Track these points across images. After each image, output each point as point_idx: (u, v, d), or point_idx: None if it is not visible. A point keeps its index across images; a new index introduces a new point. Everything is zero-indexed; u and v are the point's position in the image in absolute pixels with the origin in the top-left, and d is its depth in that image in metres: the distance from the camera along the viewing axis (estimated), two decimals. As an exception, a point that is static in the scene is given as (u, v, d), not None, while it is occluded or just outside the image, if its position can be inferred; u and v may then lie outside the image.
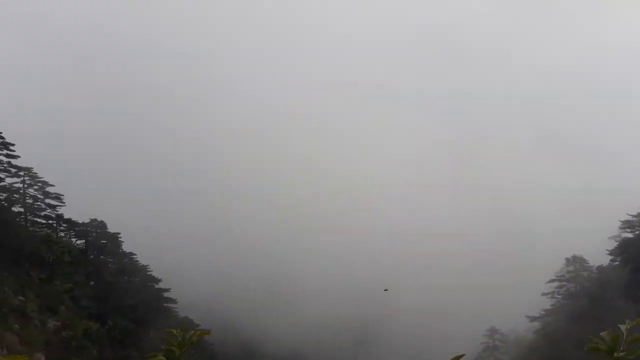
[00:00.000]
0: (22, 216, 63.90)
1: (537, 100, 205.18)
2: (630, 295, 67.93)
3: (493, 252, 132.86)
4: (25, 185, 63.30)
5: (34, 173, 63.60)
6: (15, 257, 56.34)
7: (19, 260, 56.86)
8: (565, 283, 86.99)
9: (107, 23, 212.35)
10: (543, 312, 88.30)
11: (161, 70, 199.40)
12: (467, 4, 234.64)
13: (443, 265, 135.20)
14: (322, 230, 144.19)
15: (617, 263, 78.87)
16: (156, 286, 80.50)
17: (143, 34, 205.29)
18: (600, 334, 3.54)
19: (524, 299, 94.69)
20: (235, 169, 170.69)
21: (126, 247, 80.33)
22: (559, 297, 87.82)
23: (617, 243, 79.79)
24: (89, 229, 77.51)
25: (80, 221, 76.16)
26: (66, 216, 71.63)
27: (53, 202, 67.37)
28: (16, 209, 63.04)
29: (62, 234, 73.82)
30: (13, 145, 59.70)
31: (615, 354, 3.44)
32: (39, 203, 65.86)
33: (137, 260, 79.67)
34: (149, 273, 79.27)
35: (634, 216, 76.51)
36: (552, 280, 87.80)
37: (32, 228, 65.02)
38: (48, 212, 67.69)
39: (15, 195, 62.40)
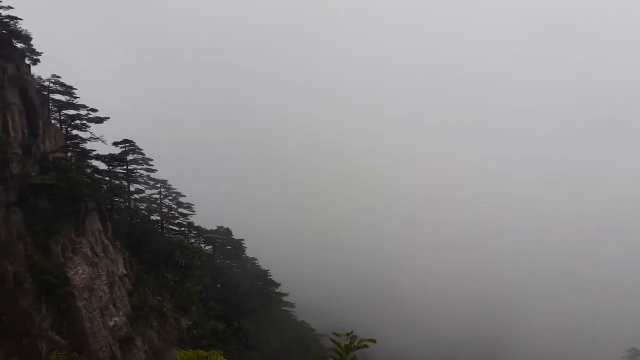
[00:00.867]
0: (159, 224, 70.59)
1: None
2: None
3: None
4: (162, 196, 70.02)
5: (169, 185, 70.16)
6: (153, 260, 62.61)
7: (156, 264, 63.00)
8: None
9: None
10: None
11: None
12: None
13: (569, 283, 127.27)
14: (443, 243, 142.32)
15: None
16: (276, 290, 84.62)
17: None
18: None
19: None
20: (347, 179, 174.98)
21: (249, 253, 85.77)
22: None
23: None
24: (216, 235, 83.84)
25: (209, 228, 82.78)
26: (196, 224, 78.30)
27: (185, 211, 73.76)
28: (154, 217, 69.87)
29: (193, 240, 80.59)
30: (151, 160, 66.42)
31: None
32: (173, 212, 72.36)
33: (259, 265, 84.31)
34: (269, 277, 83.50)
35: None
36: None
37: (167, 235, 71.54)
38: (180, 220, 74.17)
39: (153, 205, 69.26)
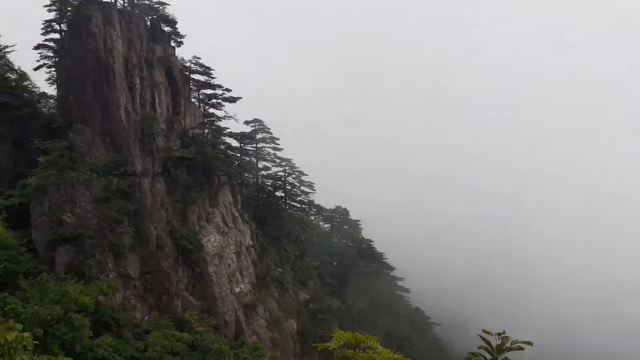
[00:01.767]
0: (283, 200, 73.78)
1: None
2: None
3: None
4: (286, 174, 72.98)
5: (293, 164, 72.88)
6: (276, 234, 65.77)
7: (279, 237, 66.11)
8: None
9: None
10: None
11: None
12: None
13: None
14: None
15: None
16: (390, 273, 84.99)
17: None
18: None
19: None
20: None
21: (365, 234, 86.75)
22: None
23: None
24: (334, 214, 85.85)
25: (327, 207, 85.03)
26: (316, 202, 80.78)
27: (306, 190, 76.34)
28: (278, 193, 73.14)
29: (312, 218, 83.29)
30: (278, 139, 69.46)
31: None
32: (295, 189, 75.18)
33: (374, 247, 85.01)
34: (384, 260, 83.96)
35: None
36: None
37: (289, 211, 74.60)
38: (302, 197, 76.91)
39: (278, 182, 72.50)
